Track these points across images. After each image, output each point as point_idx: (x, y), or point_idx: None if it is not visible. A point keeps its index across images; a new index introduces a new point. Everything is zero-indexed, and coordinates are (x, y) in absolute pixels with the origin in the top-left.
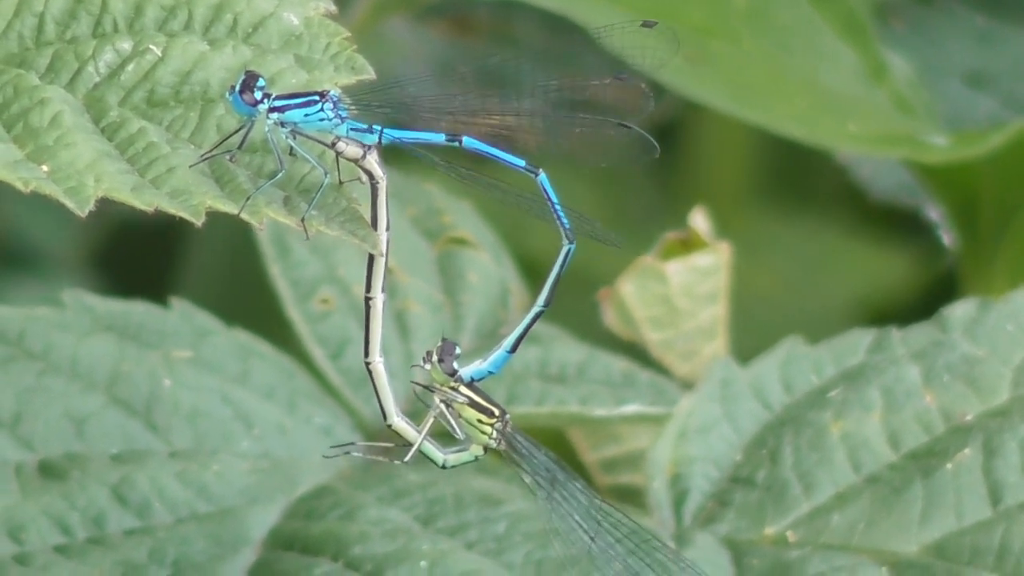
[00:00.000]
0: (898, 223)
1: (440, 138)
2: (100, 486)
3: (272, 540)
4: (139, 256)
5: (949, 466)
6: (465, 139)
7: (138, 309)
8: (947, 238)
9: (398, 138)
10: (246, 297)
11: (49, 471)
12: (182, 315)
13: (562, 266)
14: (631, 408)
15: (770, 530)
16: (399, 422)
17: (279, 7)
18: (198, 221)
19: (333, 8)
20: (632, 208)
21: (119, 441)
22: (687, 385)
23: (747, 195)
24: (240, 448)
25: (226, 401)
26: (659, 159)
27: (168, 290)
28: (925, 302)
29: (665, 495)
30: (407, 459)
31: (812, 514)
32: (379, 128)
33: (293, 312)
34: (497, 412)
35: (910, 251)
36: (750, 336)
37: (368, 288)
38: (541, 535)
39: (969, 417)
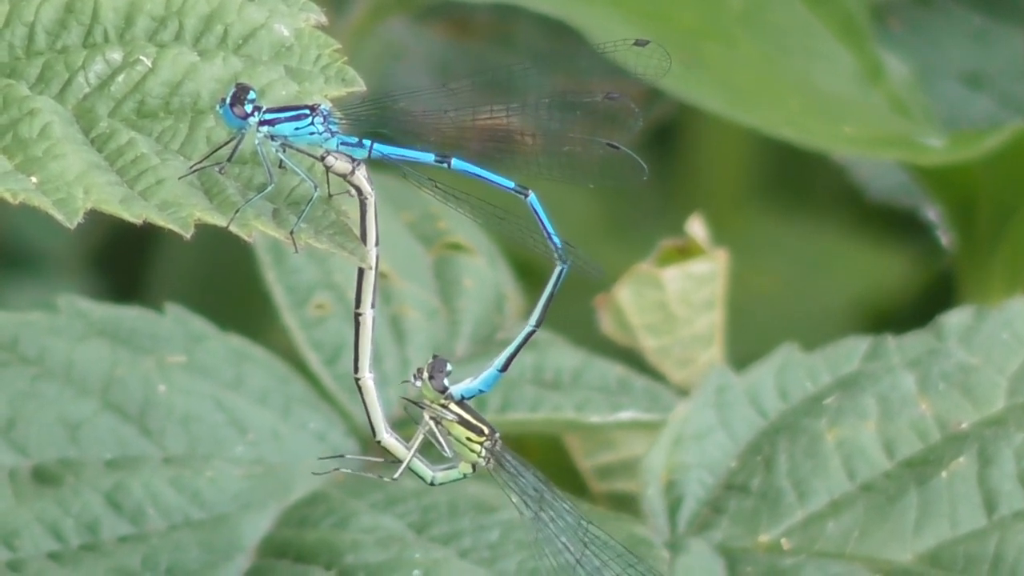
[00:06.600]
0: (896, 224)
1: (430, 157)
2: (94, 492)
3: (265, 548)
4: (139, 257)
5: (944, 475)
6: (454, 161)
7: (131, 314)
8: (945, 238)
9: (388, 154)
10: (227, 298)
11: (43, 477)
12: (176, 320)
13: (555, 286)
14: (626, 415)
15: (764, 537)
16: (388, 439)
17: (270, 18)
18: (187, 234)
19: (324, 19)
20: (630, 210)
21: (113, 447)
22: (683, 392)
23: (746, 196)
24: (234, 453)
25: (220, 406)
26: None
27: (163, 291)
28: (923, 302)
29: (660, 502)
30: (395, 476)
31: (807, 522)
32: (369, 143)
33: (288, 318)
34: (487, 431)
35: (908, 251)
36: (749, 337)
37: (357, 304)
38: (534, 544)
39: (964, 425)
